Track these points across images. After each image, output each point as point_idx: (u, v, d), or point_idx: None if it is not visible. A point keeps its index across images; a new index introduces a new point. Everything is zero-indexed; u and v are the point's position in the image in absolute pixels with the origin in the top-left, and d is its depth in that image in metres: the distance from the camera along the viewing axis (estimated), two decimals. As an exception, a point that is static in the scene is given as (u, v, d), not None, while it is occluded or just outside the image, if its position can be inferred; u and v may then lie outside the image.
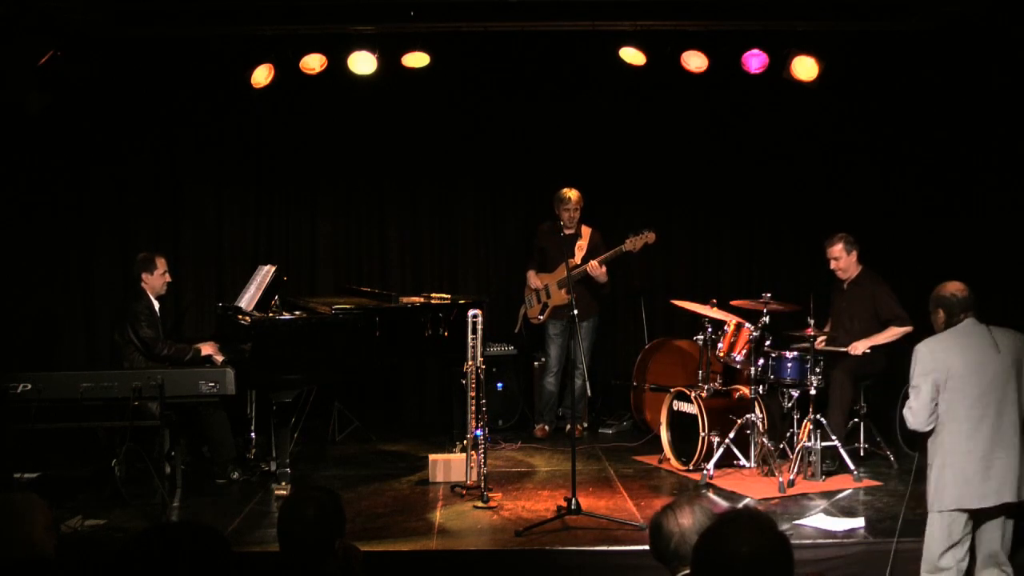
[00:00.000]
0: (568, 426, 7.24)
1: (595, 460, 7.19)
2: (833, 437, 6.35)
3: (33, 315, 8.03)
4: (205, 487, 6.49)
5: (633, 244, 7.57)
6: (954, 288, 4.63)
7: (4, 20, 6.49)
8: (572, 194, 7.76)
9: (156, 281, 6.72)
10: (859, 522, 5.41)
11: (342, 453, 7.53)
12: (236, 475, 6.58)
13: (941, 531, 4.56)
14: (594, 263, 7.58)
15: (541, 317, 7.99)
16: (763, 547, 2.28)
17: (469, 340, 6.28)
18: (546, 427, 8.00)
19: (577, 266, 7.57)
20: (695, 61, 7.61)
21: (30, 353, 7.82)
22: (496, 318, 8.39)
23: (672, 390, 6.97)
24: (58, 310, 8.16)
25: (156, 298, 6.74)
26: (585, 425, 8.10)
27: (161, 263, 6.76)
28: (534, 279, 7.98)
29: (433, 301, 7.05)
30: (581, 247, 7.79)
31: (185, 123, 8.35)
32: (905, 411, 4.61)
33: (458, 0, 7.25)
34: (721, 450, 6.48)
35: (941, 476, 4.55)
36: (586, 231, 7.83)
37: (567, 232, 7.74)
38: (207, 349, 6.58)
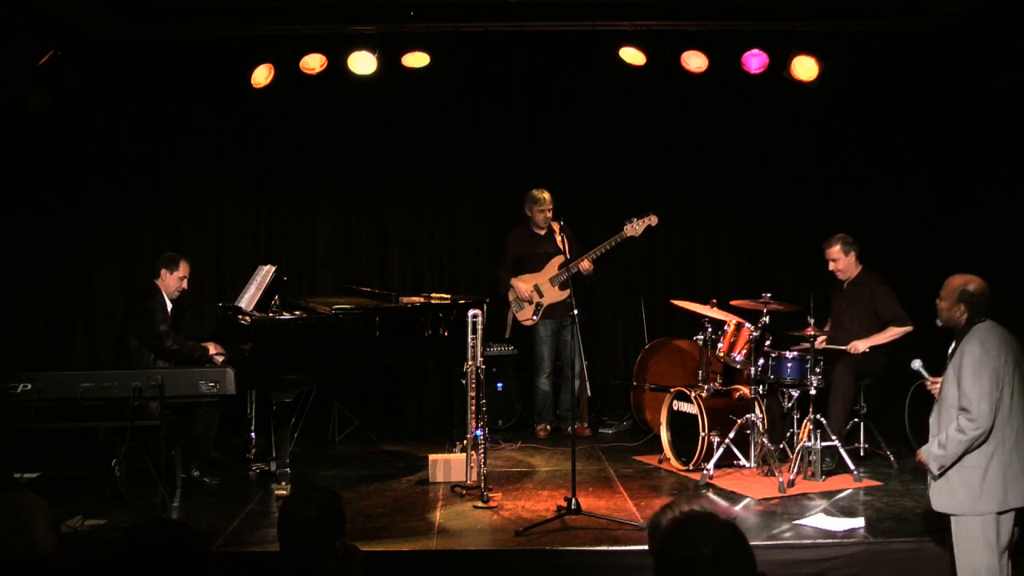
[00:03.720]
0: (568, 426, 7.23)
1: (595, 460, 7.19)
2: (833, 437, 6.34)
3: (33, 316, 8.01)
4: (205, 487, 6.50)
5: (634, 229, 7.54)
6: (980, 287, 4.44)
7: (4, 20, 6.49)
8: (546, 194, 7.78)
9: (172, 282, 6.65)
10: (859, 522, 5.40)
11: (342, 453, 7.53)
12: (196, 473, 6.54)
13: (990, 533, 4.35)
14: (586, 261, 7.57)
15: (535, 318, 7.92)
16: (725, 547, 2.29)
17: (469, 340, 6.27)
18: (547, 426, 7.99)
19: (569, 260, 7.50)
20: (695, 61, 7.62)
21: (30, 353, 7.80)
22: (496, 318, 8.38)
23: (672, 390, 6.97)
24: (58, 310, 8.15)
25: (169, 299, 6.69)
26: (585, 425, 8.09)
27: (184, 267, 6.71)
28: (521, 284, 7.90)
29: (433, 301, 7.04)
30: (562, 243, 7.75)
31: (185, 123, 8.34)
32: (959, 422, 4.31)
33: (458, 0, 7.26)
34: (721, 450, 6.48)
35: (994, 475, 4.33)
36: (556, 227, 7.74)
37: (540, 232, 7.77)
38: (213, 348, 6.56)
